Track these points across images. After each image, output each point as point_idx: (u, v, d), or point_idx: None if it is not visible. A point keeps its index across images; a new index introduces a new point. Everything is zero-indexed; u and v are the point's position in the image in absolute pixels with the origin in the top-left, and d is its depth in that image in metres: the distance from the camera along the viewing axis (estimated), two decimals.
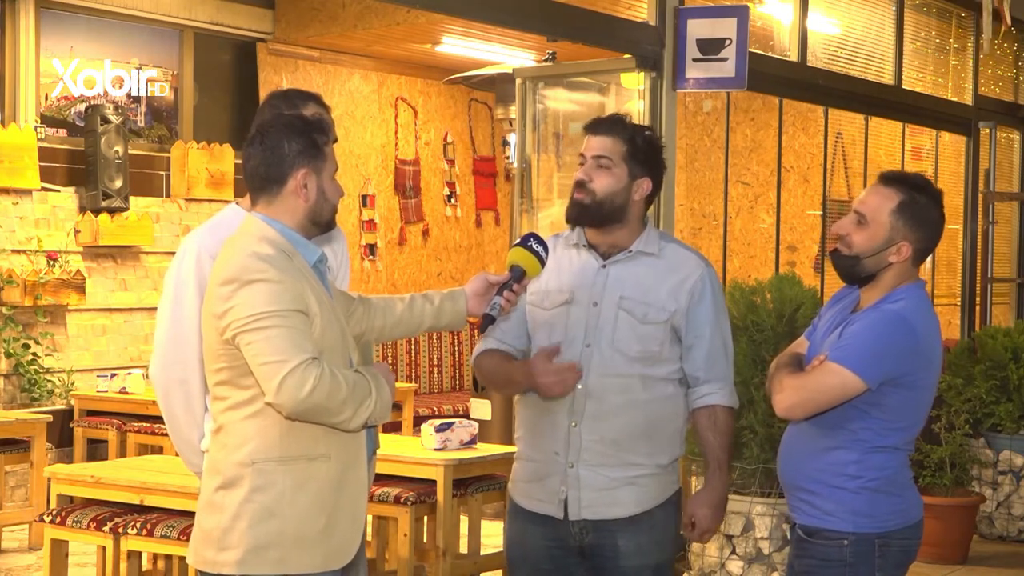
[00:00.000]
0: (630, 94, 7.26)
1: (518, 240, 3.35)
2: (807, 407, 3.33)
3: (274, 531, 2.94)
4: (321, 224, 3.08)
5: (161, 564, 5.63)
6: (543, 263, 3.33)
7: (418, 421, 8.10)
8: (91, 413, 8.04)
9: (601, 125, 3.45)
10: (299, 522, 2.95)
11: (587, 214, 3.42)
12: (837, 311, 3.51)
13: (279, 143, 3.00)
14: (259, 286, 2.87)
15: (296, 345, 2.85)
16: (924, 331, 3.35)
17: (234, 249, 2.95)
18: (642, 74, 6.97)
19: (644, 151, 3.43)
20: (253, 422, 2.94)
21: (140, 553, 5.27)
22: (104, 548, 5.25)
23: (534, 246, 3.30)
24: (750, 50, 6.94)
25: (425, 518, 5.95)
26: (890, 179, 3.45)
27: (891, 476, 3.38)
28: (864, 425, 3.33)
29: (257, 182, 3.02)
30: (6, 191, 8.27)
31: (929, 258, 9.67)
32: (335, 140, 3.48)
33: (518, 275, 3.28)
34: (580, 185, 3.41)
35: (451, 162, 11.24)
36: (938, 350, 3.42)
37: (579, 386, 3.36)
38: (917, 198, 3.40)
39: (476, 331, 3.57)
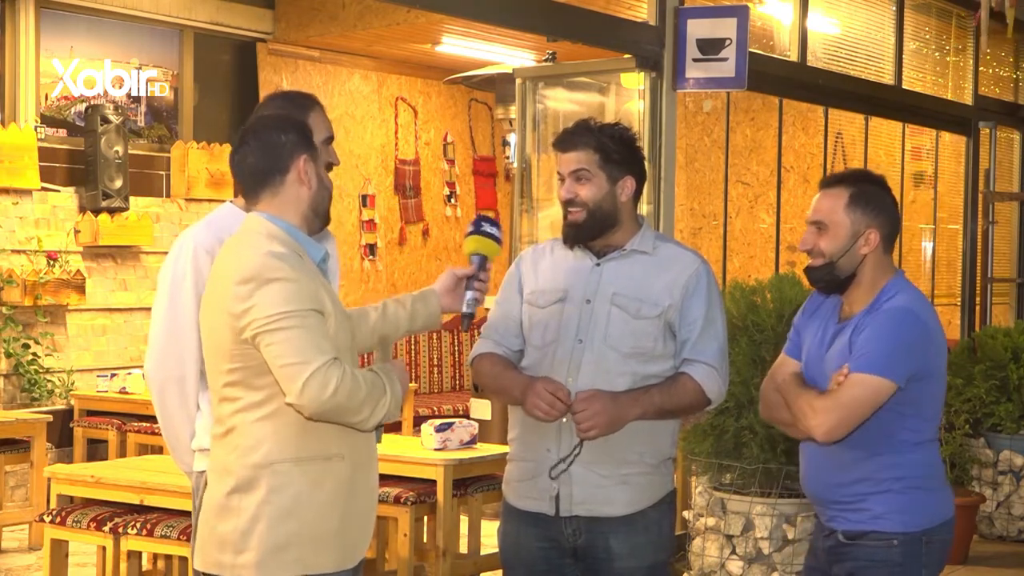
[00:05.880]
0: (630, 94, 7.26)
1: (470, 228, 3.33)
2: (847, 424, 3.28)
3: (292, 532, 2.94)
4: (321, 214, 3.12)
5: (161, 564, 5.63)
6: (500, 242, 3.33)
7: (418, 421, 8.10)
8: (91, 413, 8.04)
9: (568, 140, 3.45)
10: (316, 522, 2.96)
11: (584, 230, 3.43)
12: (821, 323, 3.49)
13: (275, 136, 3.02)
14: (278, 285, 2.86)
15: (316, 346, 2.85)
16: (929, 319, 3.38)
17: (245, 248, 2.94)
18: (642, 74, 6.97)
19: (617, 151, 3.42)
20: (268, 423, 2.93)
21: (140, 553, 5.27)
22: (104, 548, 5.25)
23: (487, 229, 3.30)
24: (750, 50, 6.94)
25: (425, 518, 5.96)
26: (831, 181, 3.46)
27: (932, 472, 3.41)
28: (902, 426, 3.34)
29: (258, 177, 3.02)
30: (6, 191, 8.27)
31: (929, 258, 9.73)
32: (332, 139, 3.50)
33: (481, 263, 3.29)
34: (569, 203, 3.42)
35: (451, 162, 11.25)
36: (942, 337, 3.45)
37: (569, 379, 3.36)
38: (864, 187, 3.40)
39: (477, 331, 3.57)
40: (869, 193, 3.39)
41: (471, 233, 3.32)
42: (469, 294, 3.27)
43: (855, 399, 3.26)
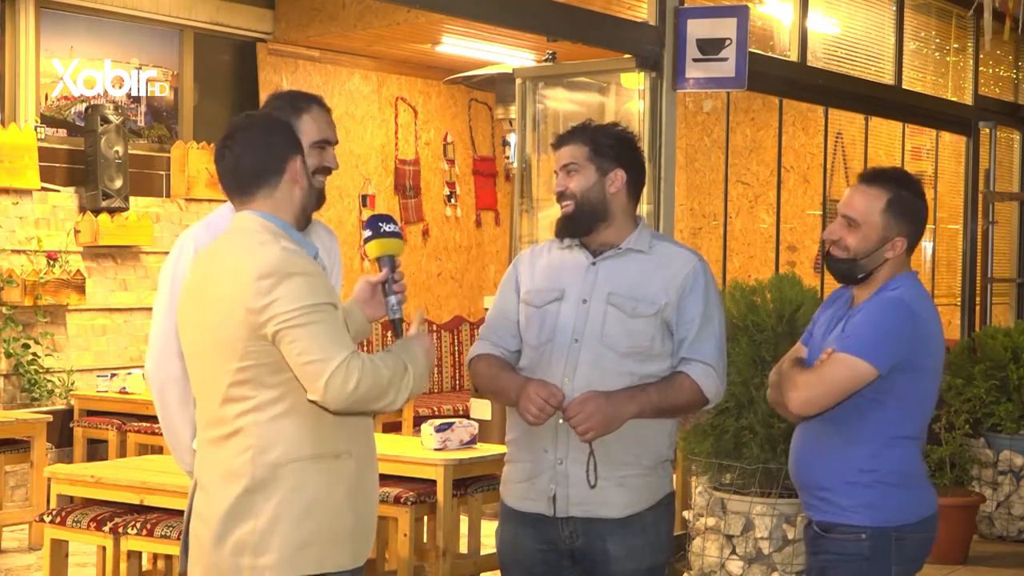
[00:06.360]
0: (630, 94, 7.26)
1: (368, 233, 3.24)
2: (822, 401, 3.36)
3: (313, 530, 2.93)
4: (309, 213, 3.13)
5: (161, 564, 5.63)
6: (402, 236, 3.27)
7: (418, 421, 8.11)
8: (91, 413, 8.05)
9: (563, 137, 3.50)
10: (333, 519, 2.95)
11: (572, 223, 3.44)
12: (832, 311, 3.56)
13: (269, 137, 3.01)
14: (298, 279, 2.85)
15: (337, 340, 2.85)
16: (924, 314, 3.41)
17: (252, 244, 2.91)
18: (642, 74, 6.97)
19: (609, 146, 3.45)
20: (283, 421, 2.91)
21: (140, 553, 5.27)
22: (104, 548, 5.25)
23: (386, 229, 3.22)
24: (750, 50, 6.94)
25: (425, 518, 5.96)
26: (873, 178, 3.49)
27: (907, 470, 3.42)
28: (882, 416, 3.37)
29: (255, 176, 2.99)
30: (6, 191, 8.27)
31: (929, 258, 9.74)
32: (336, 142, 3.48)
33: (391, 264, 3.21)
34: (560, 195, 3.45)
35: (451, 162, 11.25)
36: (939, 334, 3.48)
37: (566, 379, 3.36)
38: (902, 194, 3.45)
39: (475, 330, 3.56)
40: (906, 201, 3.44)
41: (371, 238, 3.22)
42: (392, 299, 3.18)
43: (834, 376, 3.32)
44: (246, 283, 2.87)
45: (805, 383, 3.37)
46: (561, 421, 3.34)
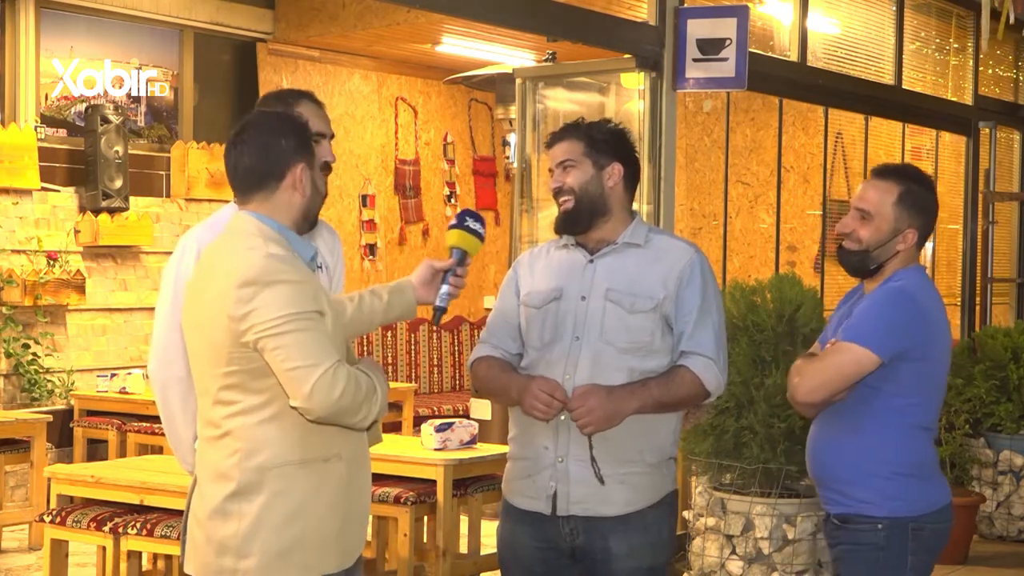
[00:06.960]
0: (630, 94, 7.26)
1: (454, 221, 3.28)
2: (827, 388, 3.44)
3: (297, 535, 2.91)
4: (311, 219, 3.11)
5: (161, 564, 5.63)
6: (482, 239, 3.30)
7: (418, 421, 8.10)
8: (91, 413, 8.04)
9: (557, 135, 3.50)
10: (319, 524, 2.94)
11: (572, 219, 3.44)
12: (845, 309, 3.61)
13: (274, 139, 2.98)
14: (281, 288, 2.83)
15: (322, 348, 2.83)
16: (927, 304, 3.49)
17: (241, 249, 2.90)
18: (642, 74, 6.97)
19: (604, 140, 3.45)
20: (269, 426, 2.90)
21: (140, 553, 5.27)
22: (104, 548, 5.25)
23: (471, 225, 3.26)
24: (750, 50, 6.94)
25: (425, 518, 5.96)
26: (885, 172, 3.57)
27: (922, 460, 3.49)
28: (894, 406, 3.42)
29: (253, 179, 2.98)
30: (6, 191, 8.27)
31: (929, 258, 9.74)
32: (332, 136, 3.48)
33: (460, 258, 3.24)
34: (558, 192, 3.45)
35: (451, 162, 11.25)
36: (944, 325, 3.58)
37: (567, 376, 3.36)
38: (913, 187, 3.52)
39: (476, 330, 3.56)
40: (917, 194, 3.52)
41: (454, 226, 3.27)
42: (444, 288, 3.21)
43: (838, 364, 3.41)
44: (229, 290, 2.86)
45: (810, 371, 3.46)
46: (563, 417, 3.34)
